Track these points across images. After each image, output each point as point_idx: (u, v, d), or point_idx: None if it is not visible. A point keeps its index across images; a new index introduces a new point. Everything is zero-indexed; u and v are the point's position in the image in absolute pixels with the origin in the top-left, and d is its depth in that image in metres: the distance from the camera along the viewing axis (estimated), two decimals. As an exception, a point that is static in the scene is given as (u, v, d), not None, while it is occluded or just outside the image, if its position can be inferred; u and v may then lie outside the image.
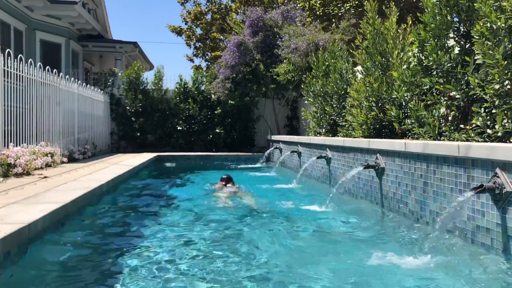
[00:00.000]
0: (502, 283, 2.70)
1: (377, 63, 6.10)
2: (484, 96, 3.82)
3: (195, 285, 2.65)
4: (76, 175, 6.49)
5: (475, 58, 3.93)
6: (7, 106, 7.27)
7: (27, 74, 7.95)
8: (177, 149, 14.07)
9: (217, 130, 14.16)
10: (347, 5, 16.16)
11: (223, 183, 6.87)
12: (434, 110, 4.56)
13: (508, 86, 3.57)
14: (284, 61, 11.81)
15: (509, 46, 3.60)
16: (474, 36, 3.84)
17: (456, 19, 4.59)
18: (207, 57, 25.10)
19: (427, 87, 4.88)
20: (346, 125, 7.13)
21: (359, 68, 7.19)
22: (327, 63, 8.78)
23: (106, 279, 2.83)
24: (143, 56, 19.76)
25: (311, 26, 12.42)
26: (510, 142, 3.53)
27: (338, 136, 7.68)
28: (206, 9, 24.26)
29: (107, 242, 3.74)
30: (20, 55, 8.20)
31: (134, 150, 14.11)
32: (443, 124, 4.52)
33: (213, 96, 14.17)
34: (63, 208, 3.95)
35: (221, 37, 23.36)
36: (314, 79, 9.07)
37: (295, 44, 11.29)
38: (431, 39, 4.63)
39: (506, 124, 3.55)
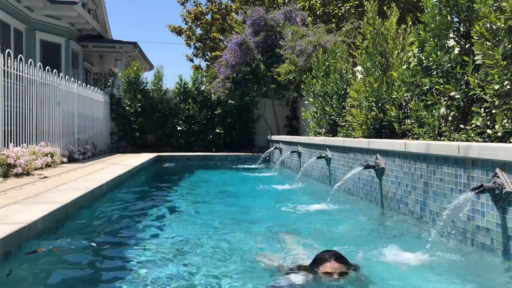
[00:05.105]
0: (502, 283, 2.70)
1: (377, 63, 6.10)
2: (484, 96, 3.82)
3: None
4: (76, 175, 6.48)
5: (475, 58, 3.93)
6: (7, 106, 7.27)
7: (27, 74, 7.95)
8: (177, 149, 14.08)
9: (217, 130, 14.16)
10: (347, 5, 16.17)
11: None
12: (434, 110, 4.56)
13: (508, 86, 3.57)
14: (286, 61, 11.81)
15: (509, 46, 3.60)
16: (474, 37, 3.84)
17: (456, 19, 4.59)
18: (207, 57, 25.08)
19: (427, 87, 4.89)
20: (346, 125, 7.13)
21: (359, 68, 7.19)
22: (327, 64, 8.78)
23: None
24: (143, 56, 19.75)
25: (314, 27, 12.44)
26: (510, 142, 3.53)
27: (338, 136, 7.68)
28: (206, 9, 24.25)
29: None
30: (20, 55, 8.20)
31: (134, 150, 14.11)
32: (443, 124, 4.52)
33: (213, 96, 14.17)
34: (63, 208, 3.95)
35: (221, 37, 23.36)
36: (314, 79, 9.07)
37: (300, 46, 11.30)
38: (431, 39, 4.63)
39: (506, 124, 3.55)
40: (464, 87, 4.22)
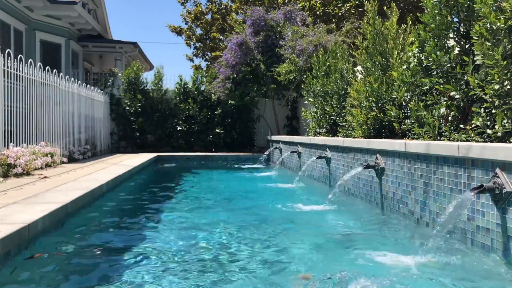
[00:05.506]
0: (502, 284, 2.70)
1: (377, 63, 6.10)
2: (484, 96, 3.82)
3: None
4: (76, 175, 6.48)
5: (475, 58, 3.93)
6: (7, 106, 7.27)
7: (27, 74, 7.95)
8: (177, 149, 14.08)
9: (217, 130, 14.16)
10: (347, 5, 16.16)
11: None
12: (434, 110, 4.56)
13: (508, 86, 3.57)
14: (286, 61, 11.81)
15: (509, 46, 3.60)
16: (474, 37, 3.84)
17: (456, 19, 4.59)
18: (207, 57, 25.08)
19: (427, 87, 4.89)
20: (346, 125, 7.13)
21: (359, 68, 7.19)
22: (327, 63, 8.78)
23: None
24: (143, 56, 19.75)
25: (315, 27, 12.45)
26: (510, 142, 3.53)
27: (338, 136, 7.68)
28: (206, 9, 24.25)
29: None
30: (20, 55, 8.20)
31: (134, 150, 14.11)
32: (443, 124, 4.52)
33: (213, 96, 14.18)
34: (63, 208, 3.95)
35: (221, 37, 23.36)
36: (315, 79, 9.07)
37: (301, 45, 11.30)
38: (431, 39, 4.63)
39: (506, 124, 3.55)
40: (464, 87, 4.22)
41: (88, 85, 11.95)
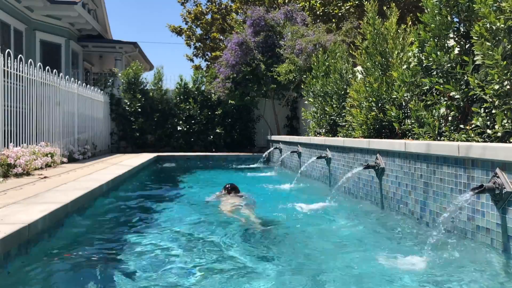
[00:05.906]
0: (502, 283, 2.70)
1: (377, 63, 6.10)
2: (483, 96, 3.82)
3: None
4: (76, 176, 6.48)
5: (475, 58, 3.93)
6: (7, 106, 7.27)
7: (27, 74, 7.95)
8: (177, 150, 14.08)
9: (217, 130, 14.16)
10: (347, 5, 16.16)
11: (226, 192, 6.05)
12: (434, 110, 4.56)
13: (508, 86, 3.57)
14: (286, 61, 11.81)
15: (509, 46, 3.60)
16: (473, 37, 3.84)
17: (456, 19, 4.59)
18: (207, 57, 25.08)
19: (427, 87, 4.89)
20: (346, 125, 7.13)
21: (359, 68, 7.19)
22: (327, 64, 8.78)
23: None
24: (143, 56, 19.75)
25: (314, 27, 12.44)
26: (510, 142, 3.53)
27: (338, 136, 7.68)
28: (206, 9, 24.25)
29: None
30: (20, 55, 8.21)
31: (134, 150, 14.11)
32: (443, 124, 4.52)
33: (213, 96, 14.17)
34: (63, 208, 3.95)
35: (221, 37, 23.37)
36: (314, 79, 9.07)
37: (300, 45, 11.30)
38: (431, 39, 4.63)
39: (506, 124, 3.55)
40: (464, 87, 4.22)
41: (88, 85, 11.95)
